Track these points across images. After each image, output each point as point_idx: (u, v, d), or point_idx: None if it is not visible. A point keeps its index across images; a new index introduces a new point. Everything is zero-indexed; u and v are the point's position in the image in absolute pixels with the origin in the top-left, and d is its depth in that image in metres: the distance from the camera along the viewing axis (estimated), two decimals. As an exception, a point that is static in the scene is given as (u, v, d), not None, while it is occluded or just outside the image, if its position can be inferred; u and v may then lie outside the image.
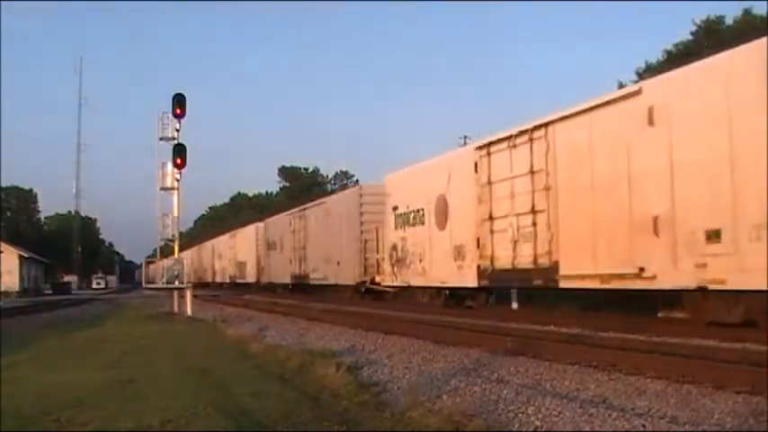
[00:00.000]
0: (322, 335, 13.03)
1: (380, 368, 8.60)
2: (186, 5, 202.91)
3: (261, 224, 42.46)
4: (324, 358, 8.73)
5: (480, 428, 5.20)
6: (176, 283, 21.74)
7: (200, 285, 56.21)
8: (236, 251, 48.73)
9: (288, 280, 34.66)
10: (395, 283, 21.80)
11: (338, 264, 27.12)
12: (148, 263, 30.25)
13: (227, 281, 51.70)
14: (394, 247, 21.47)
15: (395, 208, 21.42)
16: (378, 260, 23.62)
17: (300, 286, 33.43)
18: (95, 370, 8.61)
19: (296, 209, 34.77)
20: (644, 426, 5.12)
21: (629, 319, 12.68)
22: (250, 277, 43.53)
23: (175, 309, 22.08)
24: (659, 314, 12.96)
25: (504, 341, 9.64)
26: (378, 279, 23.45)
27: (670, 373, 6.84)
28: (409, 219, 20.42)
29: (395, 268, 21.46)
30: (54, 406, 6.19)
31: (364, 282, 24.61)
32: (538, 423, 5.46)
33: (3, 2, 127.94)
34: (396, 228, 21.34)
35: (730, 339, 9.20)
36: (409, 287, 20.82)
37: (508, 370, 7.86)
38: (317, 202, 32.07)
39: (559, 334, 11.10)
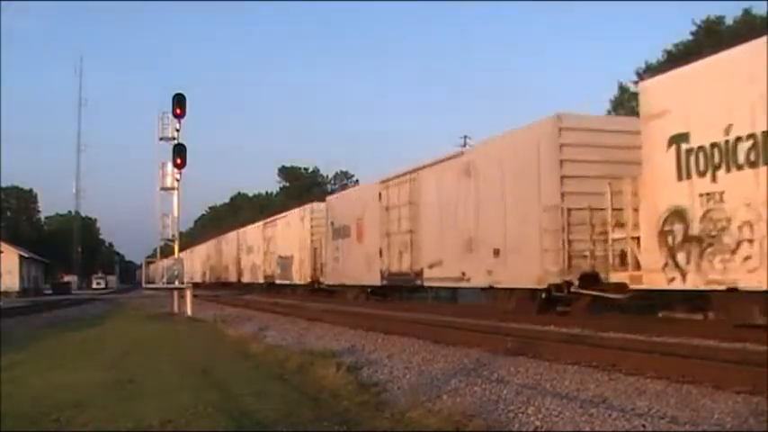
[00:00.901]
0: (322, 335, 13.03)
1: (380, 368, 8.60)
2: (186, 5, 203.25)
3: (318, 204, 31.32)
4: (324, 358, 8.73)
5: (480, 428, 5.20)
6: (176, 283, 21.76)
7: (219, 286, 50.12)
8: (277, 242, 36.04)
9: (372, 280, 23.04)
10: (677, 285, 11.15)
11: (497, 254, 15.79)
12: (148, 263, 30.29)
13: (261, 281, 39.20)
14: (677, 216, 11.18)
15: (678, 139, 11.08)
16: (614, 242, 12.88)
17: (399, 290, 23.41)
18: (95, 370, 8.62)
19: (396, 174, 22.07)
20: (644, 426, 5.12)
21: (629, 319, 12.67)
22: (299, 277, 32.10)
23: (175, 309, 22.07)
24: (659, 314, 12.96)
25: (504, 341, 9.64)
26: (619, 277, 12.64)
27: (670, 373, 6.83)
28: (735, 155, 10.10)
29: (679, 257, 11.05)
30: (54, 406, 6.19)
31: (567, 284, 13.79)
32: (538, 423, 5.46)
33: (3, 2, 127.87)
34: (684, 177, 10.99)
35: (730, 339, 9.20)
36: (730, 291, 10.24)
37: (508, 370, 7.86)
38: (446, 156, 19.30)
39: (559, 334, 11.09)
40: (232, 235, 49.74)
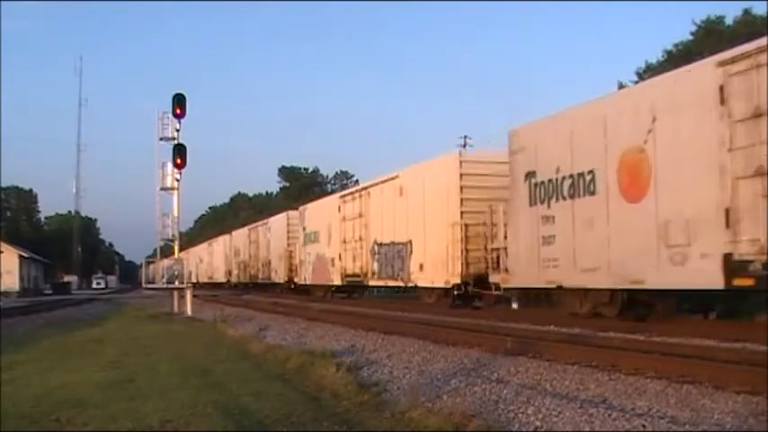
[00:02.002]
0: (322, 335, 13.02)
1: (380, 368, 8.60)
2: (186, 5, 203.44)
3: (471, 151, 19.94)
4: (324, 358, 8.72)
5: (480, 428, 5.20)
6: (176, 283, 21.79)
7: (254, 289, 40.64)
8: (372, 222, 23.25)
9: (692, 278, 10.56)
10: None
11: None
12: (148, 263, 30.29)
13: (336, 282, 26.92)
14: None
15: None
16: None
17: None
18: (95, 370, 8.62)
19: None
20: (644, 426, 5.11)
21: (629, 319, 12.64)
22: (427, 276, 19.35)
23: (175, 309, 22.08)
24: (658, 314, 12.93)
25: (504, 341, 9.64)
26: None
27: (670, 373, 6.83)
28: None
29: None
30: (54, 406, 6.20)
31: None
32: (538, 423, 5.46)
33: (3, 2, 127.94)
34: None
35: (730, 339, 9.20)
36: None
37: (508, 370, 7.86)
38: None
39: (559, 334, 11.10)
40: (278, 219, 37.06)
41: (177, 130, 20.98)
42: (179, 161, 20.87)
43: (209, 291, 45.02)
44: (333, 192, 58.39)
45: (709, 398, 5.93)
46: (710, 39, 30.47)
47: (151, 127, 21.75)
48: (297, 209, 33.60)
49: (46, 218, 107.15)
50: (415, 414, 5.57)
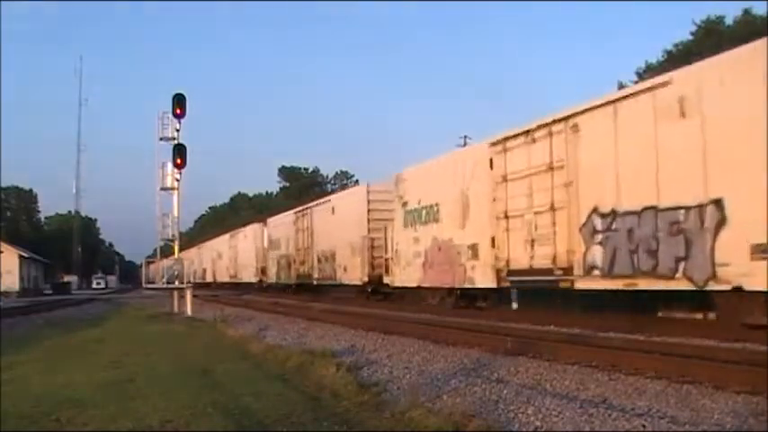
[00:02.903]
0: (322, 335, 13.02)
1: (380, 368, 8.60)
2: (186, 5, 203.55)
3: None
4: (324, 358, 8.72)
5: (480, 428, 5.20)
6: (176, 283, 21.79)
7: (298, 289, 32.15)
8: (598, 177, 12.30)
9: None
10: None
11: None
12: (148, 263, 30.26)
13: (488, 284, 15.96)
14: None
15: None
16: None
17: None
18: (95, 370, 8.62)
19: None
20: (644, 426, 5.12)
21: (629, 319, 12.65)
22: None
23: (175, 309, 22.08)
24: (659, 314, 12.95)
25: (504, 341, 9.64)
26: None
27: (670, 373, 6.84)
28: None
29: None
30: (54, 406, 6.20)
31: None
32: (538, 423, 5.46)
33: (3, 2, 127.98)
34: None
35: (730, 339, 9.20)
36: None
37: (508, 370, 7.86)
38: None
39: (559, 334, 11.09)
40: (349, 195, 28.41)
41: (177, 130, 20.98)
42: (179, 161, 20.88)
43: (230, 292, 42.91)
44: (333, 191, 55.43)
45: (709, 398, 5.93)
46: (710, 39, 30.47)
47: (151, 127, 21.77)
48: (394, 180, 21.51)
49: (46, 218, 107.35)
50: (415, 414, 5.57)
